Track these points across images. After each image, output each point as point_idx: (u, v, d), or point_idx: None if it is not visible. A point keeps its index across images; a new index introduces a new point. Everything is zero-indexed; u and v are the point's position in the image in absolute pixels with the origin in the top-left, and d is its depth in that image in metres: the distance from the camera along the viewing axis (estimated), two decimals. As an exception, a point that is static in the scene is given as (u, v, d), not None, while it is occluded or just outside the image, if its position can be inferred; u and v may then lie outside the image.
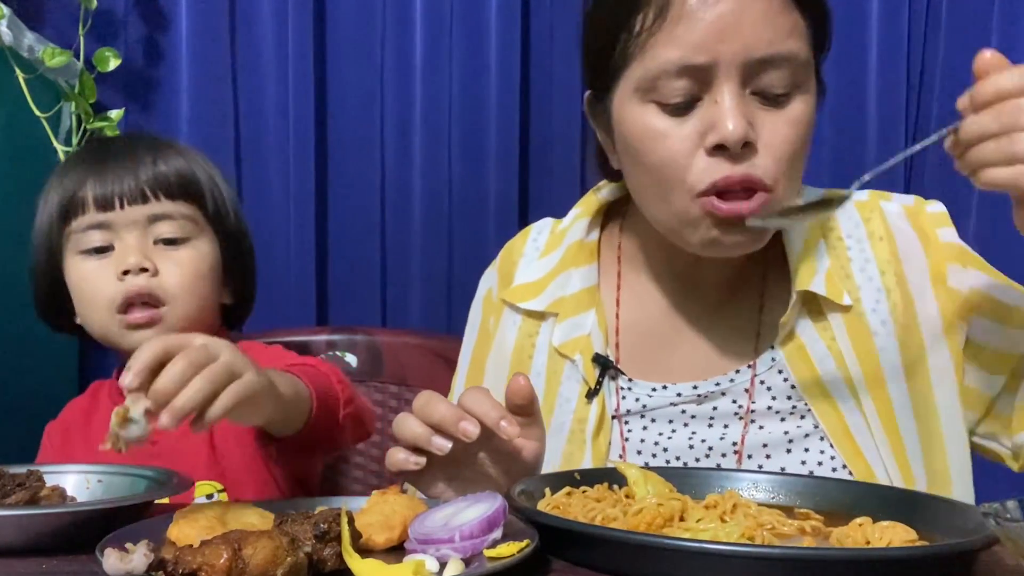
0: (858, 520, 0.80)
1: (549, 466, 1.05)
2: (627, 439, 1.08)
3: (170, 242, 1.23)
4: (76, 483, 0.98)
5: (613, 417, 1.08)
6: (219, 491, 1.21)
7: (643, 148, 0.99)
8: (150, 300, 1.21)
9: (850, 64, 1.77)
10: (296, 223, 1.85)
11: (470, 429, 0.86)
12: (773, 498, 0.93)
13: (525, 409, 0.93)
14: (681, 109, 0.96)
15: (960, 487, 1.04)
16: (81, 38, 1.75)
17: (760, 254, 1.06)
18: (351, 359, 1.61)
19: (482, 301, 1.23)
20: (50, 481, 0.95)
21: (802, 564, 0.69)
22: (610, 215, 1.18)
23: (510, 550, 0.73)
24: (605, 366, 1.08)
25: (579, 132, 1.87)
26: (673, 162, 0.97)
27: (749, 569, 0.69)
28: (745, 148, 0.95)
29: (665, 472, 0.98)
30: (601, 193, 1.17)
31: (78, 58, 1.75)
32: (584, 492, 0.88)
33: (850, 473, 1.01)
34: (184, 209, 1.25)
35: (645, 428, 1.08)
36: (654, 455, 1.06)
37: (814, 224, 1.07)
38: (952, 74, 1.75)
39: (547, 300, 1.13)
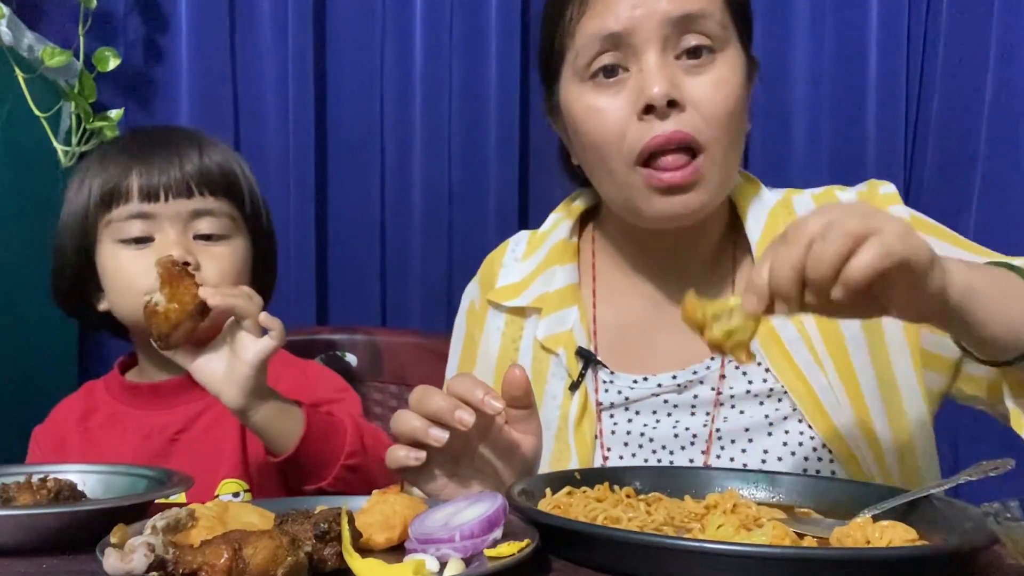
0: (858, 520, 0.80)
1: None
2: (613, 431, 1.11)
3: (207, 238, 1.24)
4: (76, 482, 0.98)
5: (598, 411, 1.11)
6: (245, 490, 1.21)
7: (584, 126, 1.06)
8: None
9: (850, 64, 1.77)
10: (296, 223, 1.85)
11: (465, 417, 0.87)
12: (773, 498, 0.93)
13: (521, 400, 0.94)
14: (613, 83, 1.04)
15: (925, 459, 1.07)
16: (81, 38, 1.75)
17: (729, 244, 1.14)
18: (351, 359, 1.61)
19: (466, 314, 1.26)
20: (51, 482, 0.95)
21: (802, 564, 0.69)
22: (585, 221, 1.23)
23: (510, 550, 0.73)
24: (588, 359, 1.12)
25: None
26: (611, 133, 1.04)
27: (749, 569, 0.69)
28: (673, 107, 1.01)
29: (666, 471, 0.99)
30: (577, 201, 1.23)
31: (78, 58, 1.75)
32: (585, 492, 0.88)
33: (829, 452, 1.03)
34: (225, 207, 1.25)
35: (630, 420, 1.10)
36: (640, 445, 1.09)
37: (774, 212, 1.12)
38: (952, 74, 1.75)
39: (531, 296, 1.17)
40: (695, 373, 1.09)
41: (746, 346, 0.82)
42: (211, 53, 1.85)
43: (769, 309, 0.80)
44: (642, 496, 0.90)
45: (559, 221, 1.22)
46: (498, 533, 0.75)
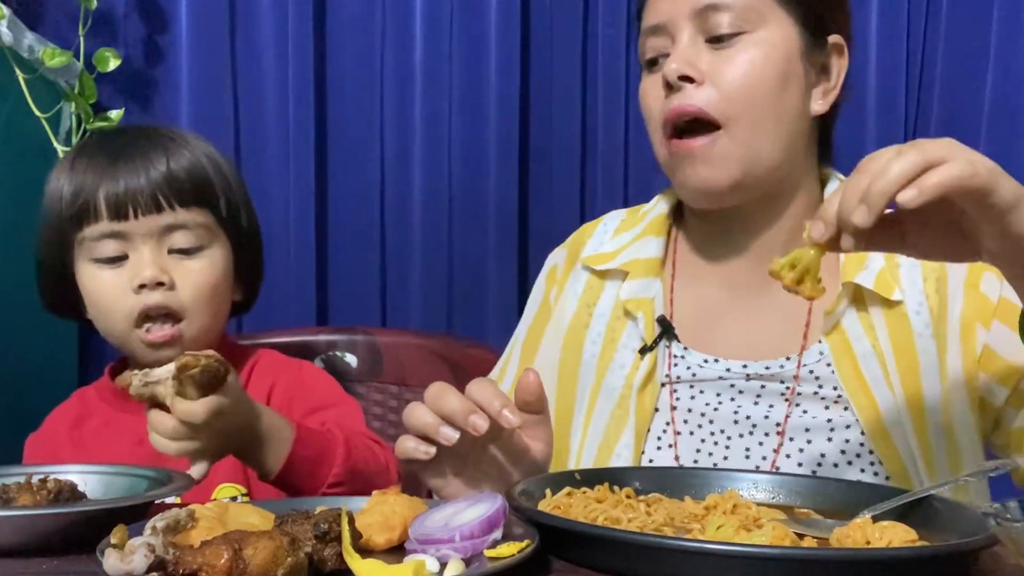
0: (858, 520, 0.80)
1: (595, 430, 1.10)
2: (675, 407, 1.11)
3: (184, 251, 1.22)
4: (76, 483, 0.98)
5: (663, 385, 1.12)
6: (243, 494, 1.21)
7: (641, 105, 1.15)
8: (167, 312, 1.21)
9: (850, 63, 1.77)
10: (296, 223, 1.85)
11: (479, 423, 0.87)
12: (773, 498, 0.93)
13: (533, 406, 0.94)
14: (656, 69, 1.12)
15: (974, 496, 1.05)
16: (81, 38, 1.75)
17: None
18: (351, 359, 1.60)
19: (545, 277, 1.28)
20: (53, 483, 0.94)
21: (802, 564, 0.69)
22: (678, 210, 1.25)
23: (510, 550, 0.73)
24: (665, 329, 1.13)
25: (579, 132, 1.87)
26: (648, 110, 1.13)
27: (749, 569, 0.69)
28: (688, 83, 1.07)
29: (666, 472, 0.99)
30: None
31: (78, 58, 1.74)
32: (585, 493, 0.88)
33: (882, 465, 1.04)
34: (199, 217, 1.23)
35: (693, 398, 1.11)
36: (700, 425, 1.10)
37: None
38: (952, 74, 1.75)
39: (622, 260, 1.19)
40: (767, 368, 1.10)
41: (813, 277, 0.84)
42: (211, 53, 1.85)
43: (835, 244, 0.80)
44: (642, 497, 0.90)
45: (661, 199, 1.25)
46: (498, 534, 0.75)
